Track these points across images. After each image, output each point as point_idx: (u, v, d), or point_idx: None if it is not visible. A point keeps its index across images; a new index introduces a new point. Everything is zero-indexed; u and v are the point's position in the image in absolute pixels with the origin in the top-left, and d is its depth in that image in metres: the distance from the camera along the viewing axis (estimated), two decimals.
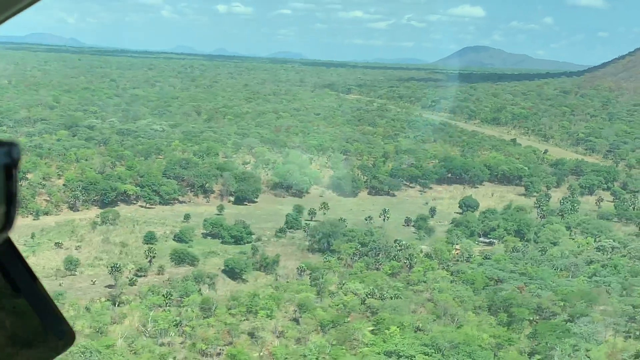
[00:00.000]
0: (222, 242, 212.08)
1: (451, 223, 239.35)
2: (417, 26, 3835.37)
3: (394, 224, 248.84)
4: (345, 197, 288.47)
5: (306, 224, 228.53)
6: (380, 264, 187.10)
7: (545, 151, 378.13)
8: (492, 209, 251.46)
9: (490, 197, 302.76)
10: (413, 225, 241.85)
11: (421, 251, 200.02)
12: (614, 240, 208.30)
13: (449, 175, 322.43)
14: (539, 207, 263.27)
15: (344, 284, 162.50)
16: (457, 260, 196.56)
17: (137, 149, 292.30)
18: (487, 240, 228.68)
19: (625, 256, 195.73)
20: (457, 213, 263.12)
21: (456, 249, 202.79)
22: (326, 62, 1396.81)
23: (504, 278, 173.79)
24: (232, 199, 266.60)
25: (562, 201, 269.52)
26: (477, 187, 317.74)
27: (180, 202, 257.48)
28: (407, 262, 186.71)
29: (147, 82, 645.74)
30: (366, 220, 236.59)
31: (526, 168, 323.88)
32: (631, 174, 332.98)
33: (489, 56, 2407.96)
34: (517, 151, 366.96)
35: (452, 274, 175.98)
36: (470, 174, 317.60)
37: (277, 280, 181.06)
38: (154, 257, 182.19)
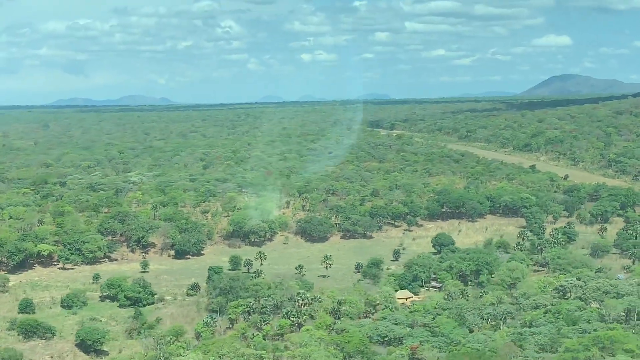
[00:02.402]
0: (119, 306, 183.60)
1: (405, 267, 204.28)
2: (502, 59, 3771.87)
3: (342, 271, 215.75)
4: (313, 243, 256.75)
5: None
6: (266, 323, 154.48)
7: (566, 177, 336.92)
8: (453, 248, 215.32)
9: (485, 231, 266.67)
10: (362, 272, 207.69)
11: (338, 303, 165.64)
12: (578, 279, 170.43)
13: (444, 209, 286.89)
14: (520, 241, 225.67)
15: (181, 356, 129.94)
16: (378, 313, 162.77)
17: (86, 204, 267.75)
18: (439, 285, 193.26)
19: (579, 297, 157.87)
20: (432, 253, 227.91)
21: (377, 301, 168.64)
22: (406, 99, 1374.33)
23: (404, 335, 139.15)
24: (173, 252, 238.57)
25: (552, 233, 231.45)
26: (477, 221, 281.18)
27: (112, 260, 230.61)
28: (296, 319, 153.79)
29: (181, 134, 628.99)
30: (297, 269, 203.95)
31: (533, 197, 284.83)
32: None
33: (576, 83, 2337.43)
34: (531, 179, 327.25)
35: (332, 332, 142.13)
36: (467, 206, 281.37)
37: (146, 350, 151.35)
38: None
